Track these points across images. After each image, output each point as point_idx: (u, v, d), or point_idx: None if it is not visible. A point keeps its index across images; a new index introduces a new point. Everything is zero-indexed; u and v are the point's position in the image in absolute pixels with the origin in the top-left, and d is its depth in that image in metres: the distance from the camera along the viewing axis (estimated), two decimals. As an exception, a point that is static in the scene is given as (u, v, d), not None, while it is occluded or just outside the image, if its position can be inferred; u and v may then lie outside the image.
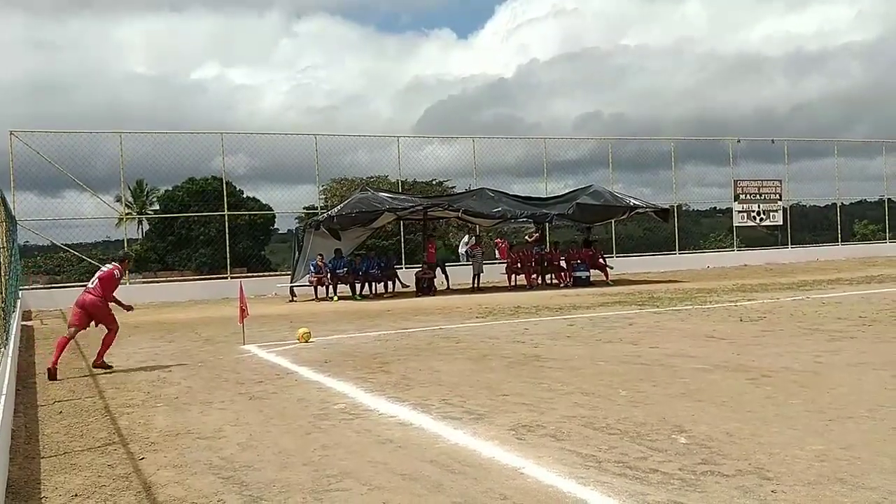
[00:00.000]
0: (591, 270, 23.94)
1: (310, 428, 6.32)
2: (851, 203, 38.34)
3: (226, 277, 25.18)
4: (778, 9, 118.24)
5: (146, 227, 45.36)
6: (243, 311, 11.87)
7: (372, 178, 32.93)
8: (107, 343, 10.18)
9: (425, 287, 22.55)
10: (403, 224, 27.17)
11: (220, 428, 6.49)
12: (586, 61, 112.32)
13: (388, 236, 30.62)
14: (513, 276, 23.56)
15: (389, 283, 22.93)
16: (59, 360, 9.67)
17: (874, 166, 37.40)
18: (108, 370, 9.95)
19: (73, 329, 9.98)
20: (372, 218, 22.05)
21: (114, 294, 10.24)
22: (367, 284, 22.42)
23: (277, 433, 6.21)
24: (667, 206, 26.51)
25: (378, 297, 22.13)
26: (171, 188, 39.60)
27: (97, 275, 10.37)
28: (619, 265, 27.05)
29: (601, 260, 24.46)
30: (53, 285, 26.83)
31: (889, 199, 36.94)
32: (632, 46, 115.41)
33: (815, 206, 37.58)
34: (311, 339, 11.90)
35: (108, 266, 10.36)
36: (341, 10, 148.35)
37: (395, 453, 5.44)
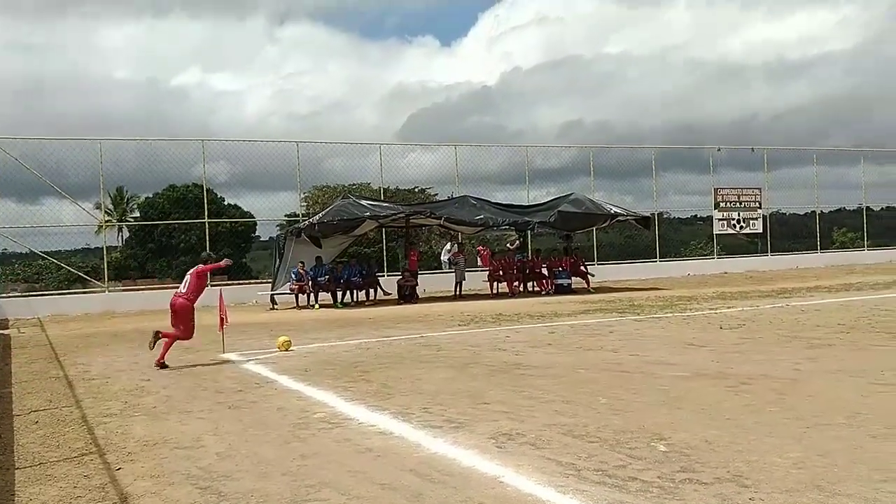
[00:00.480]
0: (573, 278, 24.01)
1: (289, 437, 6.29)
2: (831, 211, 38.62)
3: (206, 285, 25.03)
4: (760, 17, 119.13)
5: (126, 234, 45.05)
6: (223, 320, 11.80)
7: (354, 185, 32.88)
8: (171, 341, 10.72)
9: (407, 295, 22.51)
10: (385, 232, 27.16)
11: (199, 437, 6.44)
12: (570, 69, 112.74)
13: (371, 244, 30.55)
14: (495, 283, 23.58)
15: (371, 291, 22.88)
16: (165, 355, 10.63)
17: (853, 174, 37.76)
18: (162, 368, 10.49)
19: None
20: (353, 225, 22.02)
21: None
22: (348, 292, 22.37)
23: (256, 443, 6.17)
24: (648, 214, 26.63)
25: (360, 304, 22.08)
26: (151, 195, 39.41)
27: (187, 278, 11.03)
28: (601, 273, 27.12)
29: (582, 267, 24.54)
30: (31, 293, 26.55)
31: (868, 207, 37.29)
32: (615, 54, 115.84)
33: (794, 214, 37.87)
34: (291, 348, 11.84)
35: (194, 269, 11.04)
36: (324, 16, 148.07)
37: (375, 462, 5.42)
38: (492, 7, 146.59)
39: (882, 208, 39.95)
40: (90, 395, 8.71)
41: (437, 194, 32.84)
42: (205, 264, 11.16)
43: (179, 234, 37.51)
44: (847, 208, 39.68)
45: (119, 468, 5.56)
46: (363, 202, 22.58)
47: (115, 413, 7.66)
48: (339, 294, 22.05)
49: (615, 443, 5.63)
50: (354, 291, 22.54)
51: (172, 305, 10.85)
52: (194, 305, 10.95)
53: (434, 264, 29.97)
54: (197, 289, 10.94)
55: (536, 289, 24.08)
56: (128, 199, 49.80)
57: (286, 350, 11.72)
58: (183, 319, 10.80)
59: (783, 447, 5.33)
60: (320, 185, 33.79)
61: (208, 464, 5.58)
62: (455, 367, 9.60)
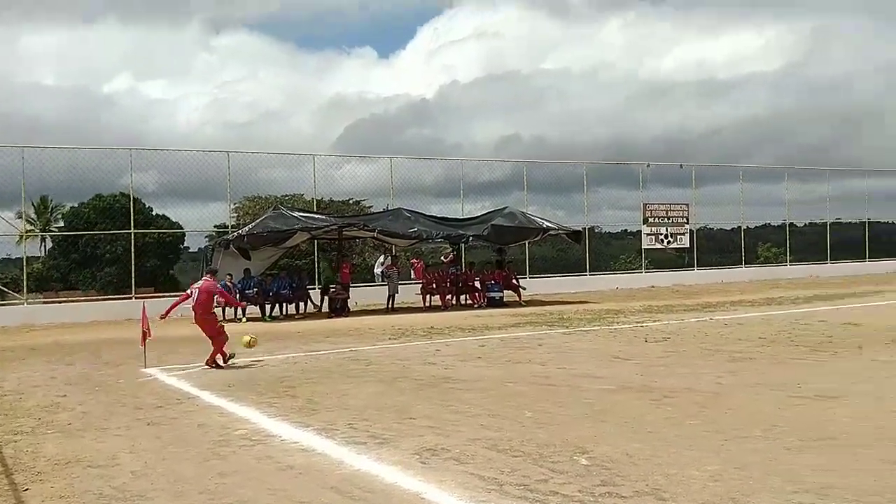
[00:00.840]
0: (505, 291, 24.13)
1: (208, 455, 6.13)
2: (756, 227, 39.59)
3: (130, 297, 24.39)
4: (691, 37, 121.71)
5: (49, 244, 43.65)
6: (145, 333, 11.50)
7: (286, 196, 32.45)
8: (217, 350, 11.35)
9: (338, 308, 22.29)
10: (318, 244, 26.88)
11: (115, 455, 6.24)
12: (507, 83, 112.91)
13: (302, 256, 30.19)
14: (427, 296, 23.54)
15: (301, 304, 22.59)
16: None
17: (778, 191, 38.82)
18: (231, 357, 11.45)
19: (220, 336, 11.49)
20: (284, 237, 21.71)
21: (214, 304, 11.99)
22: (277, 305, 22.04)
23: (174, 460, 6.00)
24: (579, 229, 26.96)
25: (289, 318, 21.77)
26: (76, 205, 38.24)
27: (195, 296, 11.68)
28: (532, 286, 27.32)
29: (514, 281, 24.68)
30: (-54, 305, 25.47)
31: (791, 223, 38.44)
32: (552, 70, 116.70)
33: (721, 229, 38.64)
34: (255, 346, 11.89)
35: (199, 283, 11.83)
36: (260, 25, 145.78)
37: (296, 480, 5.32)
38: (430, 20, 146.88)
39: (805, 224, 41.23)
40: (1, 413, 8.37)
41: (371, 207, 32.66)
42: (211, 276, 12.32)
43: (105, 244, 36.41)
44: (771, 224, 40.82)
45: (27, 489, 5.34)
46: (295, 214, 22.32)
47: (27, 430, 7.37)
48: (268, 307, 21.72)
49: (538, 457, 5.64)
50: (284, 304, 22.23)
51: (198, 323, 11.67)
52: (210, 315, 11.74)
53: (367, 277, 29.76)
54: (204, 304, 11.61)
55: (469, 302, 24.11)
56: (52, 209, 48.34)
57: (251, 348, 11.76)
58: (207, 332, 11.51)
59: (702, 460, 5.41)
60: (251, 196, 33.21)
61: (122, 483, 5.40)
62: (384, 382, 9.53)
